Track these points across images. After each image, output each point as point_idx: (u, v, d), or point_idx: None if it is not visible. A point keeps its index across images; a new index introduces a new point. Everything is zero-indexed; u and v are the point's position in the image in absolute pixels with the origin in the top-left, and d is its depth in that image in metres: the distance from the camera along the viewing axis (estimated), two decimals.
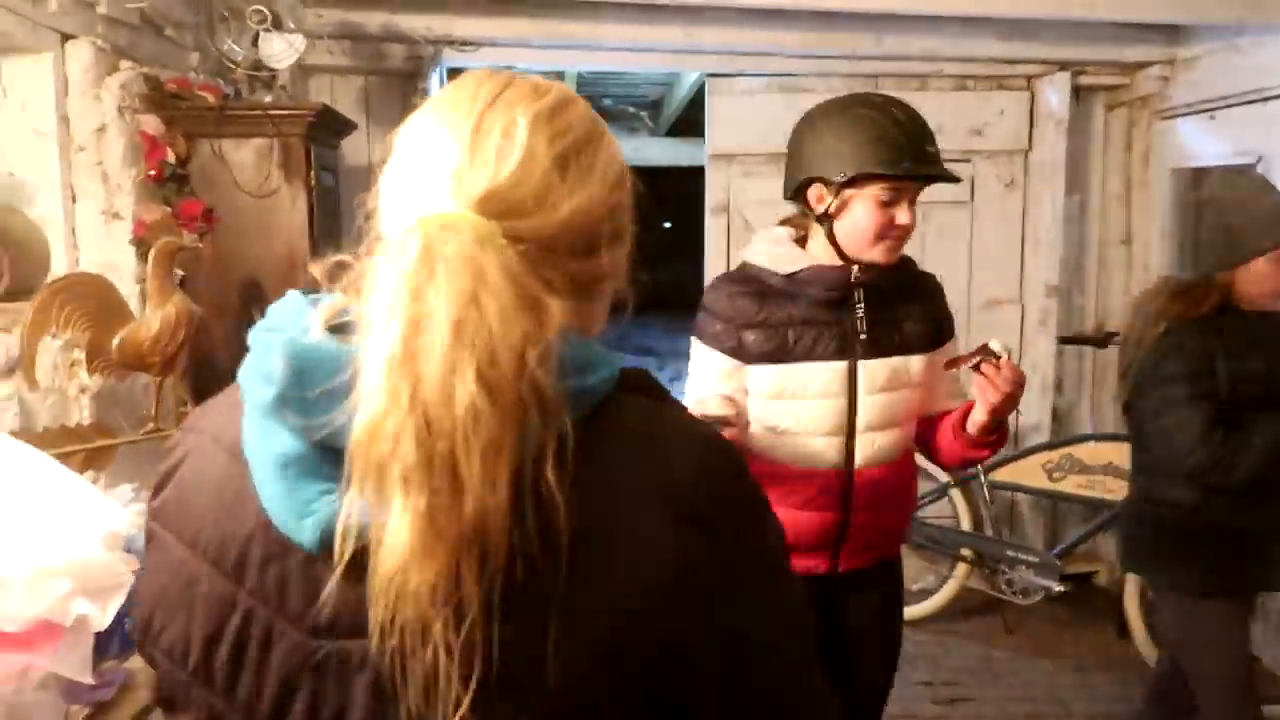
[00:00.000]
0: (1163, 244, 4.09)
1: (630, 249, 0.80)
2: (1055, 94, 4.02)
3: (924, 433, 1.91)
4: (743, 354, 1.77)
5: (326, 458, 0.64)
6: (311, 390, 0.63)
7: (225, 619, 0.68)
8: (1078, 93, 4.11)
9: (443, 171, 0.68)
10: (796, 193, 1.78)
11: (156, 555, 0.73)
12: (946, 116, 4.06)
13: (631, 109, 7.09)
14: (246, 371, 0.67)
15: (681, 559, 0.65)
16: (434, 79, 3.88)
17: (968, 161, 4.12)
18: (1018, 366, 1.65)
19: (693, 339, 1.85)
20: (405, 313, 0.60)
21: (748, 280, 1.81)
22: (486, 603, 0.60)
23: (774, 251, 1.80)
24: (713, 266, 4.19)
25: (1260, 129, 3.49)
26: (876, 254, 1.73)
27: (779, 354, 1.74)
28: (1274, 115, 3.42)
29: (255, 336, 0.68)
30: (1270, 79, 3.38)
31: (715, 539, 0.67)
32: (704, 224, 4.22)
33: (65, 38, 2.35)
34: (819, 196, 1.72)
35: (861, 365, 1.76)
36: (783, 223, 1.89)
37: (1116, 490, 3.40)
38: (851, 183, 1.68)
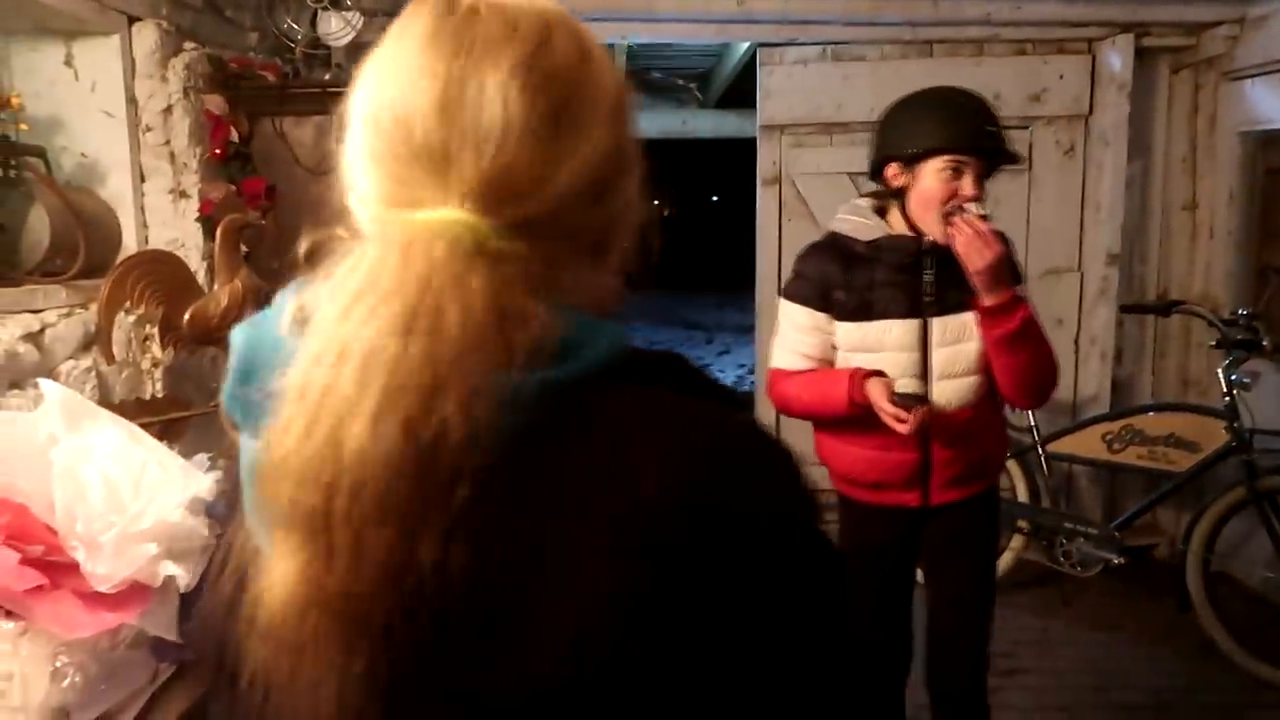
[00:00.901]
0: (1230, 209, 3.98)
1: (637, 181, 0.66)
2: (1118, 56, 3.92)
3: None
4: (831, 311, 1.99)
5: None
6: (255, 388, 0.55)
7: (225, 628, 0.61)
8: (1141, 55, 4.00)
9: (423, 151, 0.58)
10: (876, 172, 2.01)
11: None
12: (1004, 82, 3.98)
13: (680, 81, 7.04)
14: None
15: (639, 602, 0.52)
16: None
17: (1026, 128, 4.04)
18: (984, 222, 1.82)
19: (782, 300, 2.08)
20: (330, 335, 0.52)
21: (835, 247, 2.03)
22: (366, 687, 0.51)
23: (857, 221, 2.02)
24: (764, 238, 4.18)
25: None
26: (938, 230, 1.89)
27: (861, 312, 1.97)
28: None
29: (234, 331, 0.61)
30: None
31: (696, 572, 0.53)
32: (754, 197, 4.20)
33: (132, 20, 2.41)
34: (894, 174, 1.95)
35: (933, 321, 1.96)
36: (865, 195, 2.10)
37: (1179, 461, 3.34)
38: (919, 159, 1.89)
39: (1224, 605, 3.27)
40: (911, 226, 1.96)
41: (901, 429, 1.83)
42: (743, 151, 4.25)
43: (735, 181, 6.81)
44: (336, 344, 0.52)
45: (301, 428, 0.51)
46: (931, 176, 1.88)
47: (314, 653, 0.51)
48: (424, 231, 0.55)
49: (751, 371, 5.73)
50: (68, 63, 2.37)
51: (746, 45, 4.70)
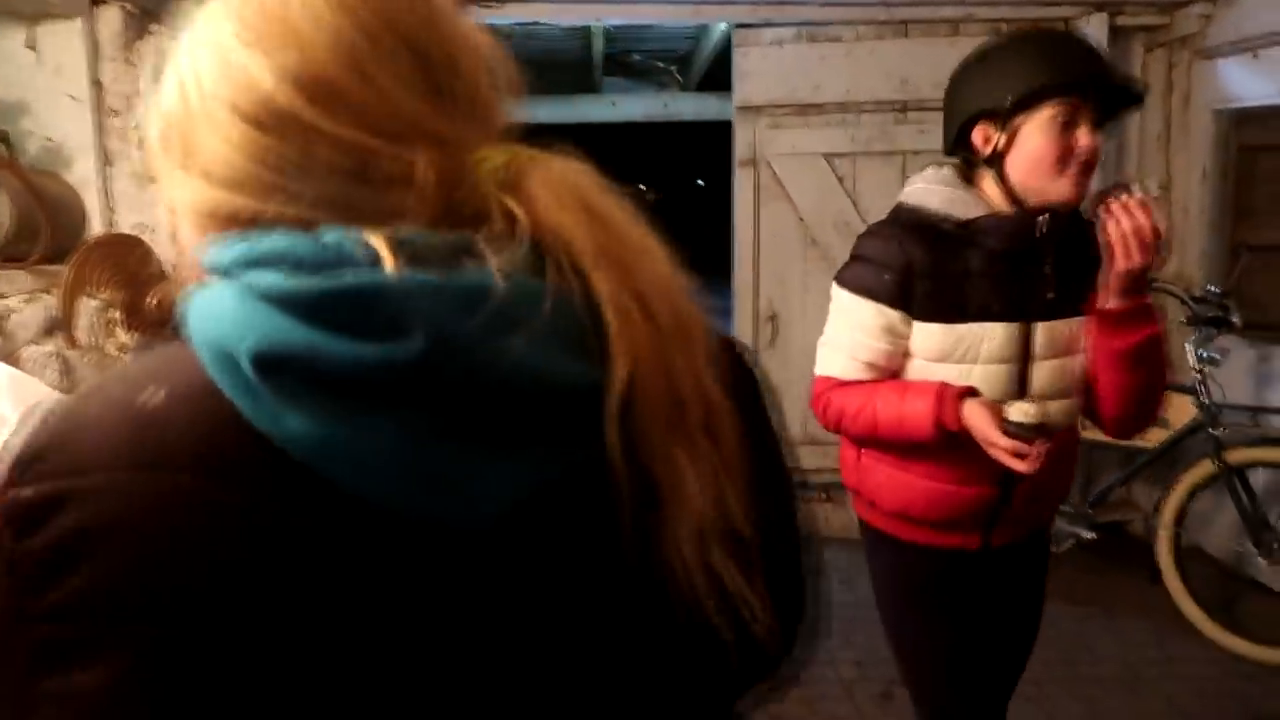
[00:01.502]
0: (1203, 187, 4.00)
1: None
2: (1092, 35, 3.92)
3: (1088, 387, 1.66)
4: (910, 308, 1.58)
5: (460, 413, 0.50)
6: (467, 339, 0.49)
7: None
8: (1115, 33, 4.01)
9: (458, 85, 0.57)
10: (958, 142, 1.61)
11: (133, 664, 0.47)
12: None
13: (660, 64, 7.02)
14: (311, 337, 0.48)
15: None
16: None
17: None
18: (1155, 205, 1.44)
19: (841, 291, 1.65)
20: (608, 269, 0.55)
21: (918, 226, 1.60)
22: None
23: (948, 194, 1.60)
24: (741, 221, 4.18)
25: None
26: (1059, 189, 1.51)
27: (950, 311, 1.56)
28: None
29: (299, 287, 0.48)
30: None
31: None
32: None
33: (95, 2, 2.40)
34: (985, 136, 1.55)
35: (1038, 327, 1.59)
36: (946, 165, 1.68)
37: (1150, 437, 3.37)
38: (1021, 108, 1.49)
39: (1194, 578, 3.30)
40: (1014, 202, 1.56)
41: (1021, 466, 1.44)
42: (727, 134, 4.25)
43: (719, 165, 6.82)
44: (617, 272, 0.55)
45: (659, 361, 0.55)
46: (1038, 131, 1.49)
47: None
48: (540, 158, 0.57)
49: None
50: (30, 46, 2.36)
51: (724, 26, 4.68)
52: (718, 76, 6.27)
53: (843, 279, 1.66)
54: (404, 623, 0.51)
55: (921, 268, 1.56)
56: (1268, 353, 3.62)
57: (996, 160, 1.55)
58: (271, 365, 0.48)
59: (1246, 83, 3.74)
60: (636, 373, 0.53)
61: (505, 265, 0.51)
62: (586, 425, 0.53)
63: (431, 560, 0.51)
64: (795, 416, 4.29)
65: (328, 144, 0.53)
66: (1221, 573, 3.60)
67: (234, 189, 0.54)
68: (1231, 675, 3.05)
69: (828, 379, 1.66)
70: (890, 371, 1.63)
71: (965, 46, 4.02)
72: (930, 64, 4.04)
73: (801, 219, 4.07)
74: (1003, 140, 1.53)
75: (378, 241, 0.50)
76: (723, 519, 0.57)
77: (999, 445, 1.45)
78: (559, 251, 0.53)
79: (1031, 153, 1.50)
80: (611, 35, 5.86)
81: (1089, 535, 3.44)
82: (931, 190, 1.62)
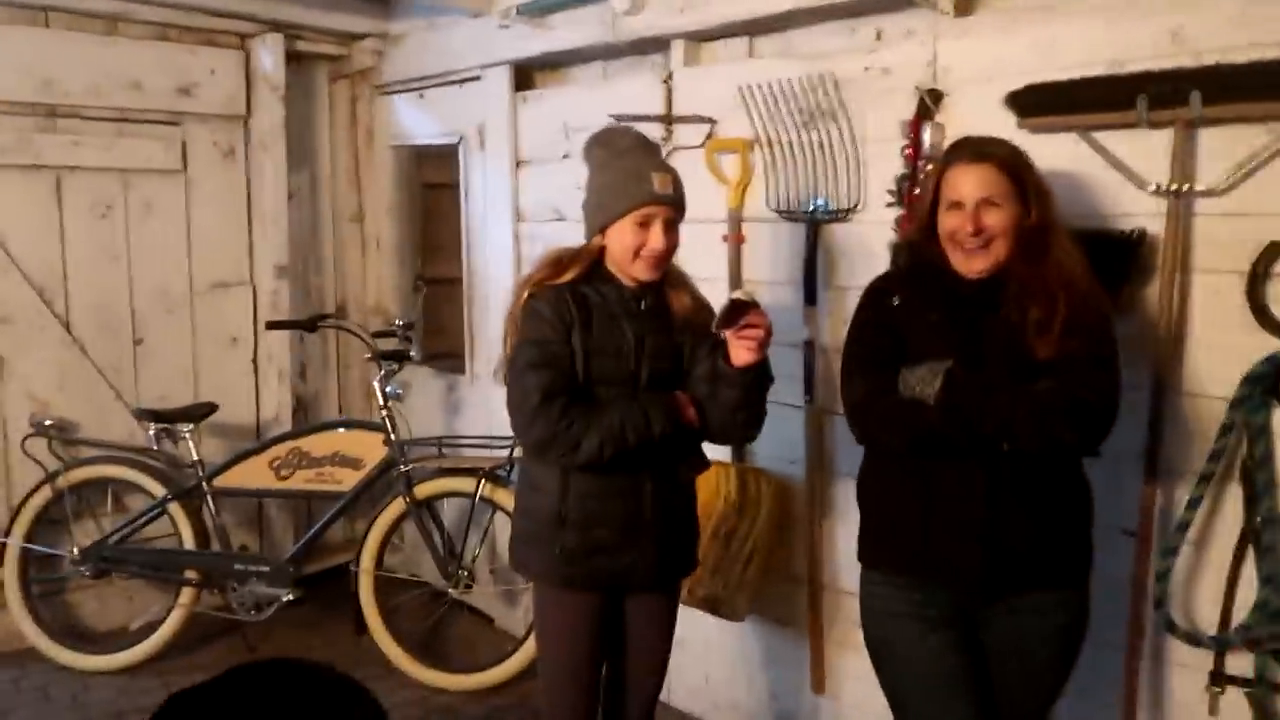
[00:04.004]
0: (392, 220, 4.05)
1: None
2: (269, 56, 3.68)
3: None
4: None
5: None
6: None
7: None
8: (300, 59, 3.85)
9: None
10: None
11: None
12: (147, 70, 3.47)
13: None
14: None
15: None
16: None
17: (177, 124, 3.59)
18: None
19: None
20: None
21: None
22: None
23: None
24: None
25: (458, 109, 3.58)
26: None
27: None
28: (468, 96, 3.52)
29: None
30: (460, 61, 3.46)
31: None
32: None
33: None
34: None
35: None
36: None
37: (345, 480, 3.21)
38: None
39: (402, 617, 3.26)
40: None
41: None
42: None
43: None
44: None
45: None
46: None
47: None
48: None
49: None
50: None
51: None
52: None
53: None
54: None
55: None
56: (454, 382, 3.77)
57: None
58: None
59: (418, 120, 3.86)
60: None
61: None
62: None
63: None
64: None
65: None
66: (428, 604, 3.61)
67: None
68: (435, 711, 3.04)
69: None
70: None
71: (127, 49, 3.47)
72: (83, 64, 3.39)
73: None
74: None
75: None
76: None
77: None
78: None
79: None
80: None
81: (290, 596, 3.17)
82: None
